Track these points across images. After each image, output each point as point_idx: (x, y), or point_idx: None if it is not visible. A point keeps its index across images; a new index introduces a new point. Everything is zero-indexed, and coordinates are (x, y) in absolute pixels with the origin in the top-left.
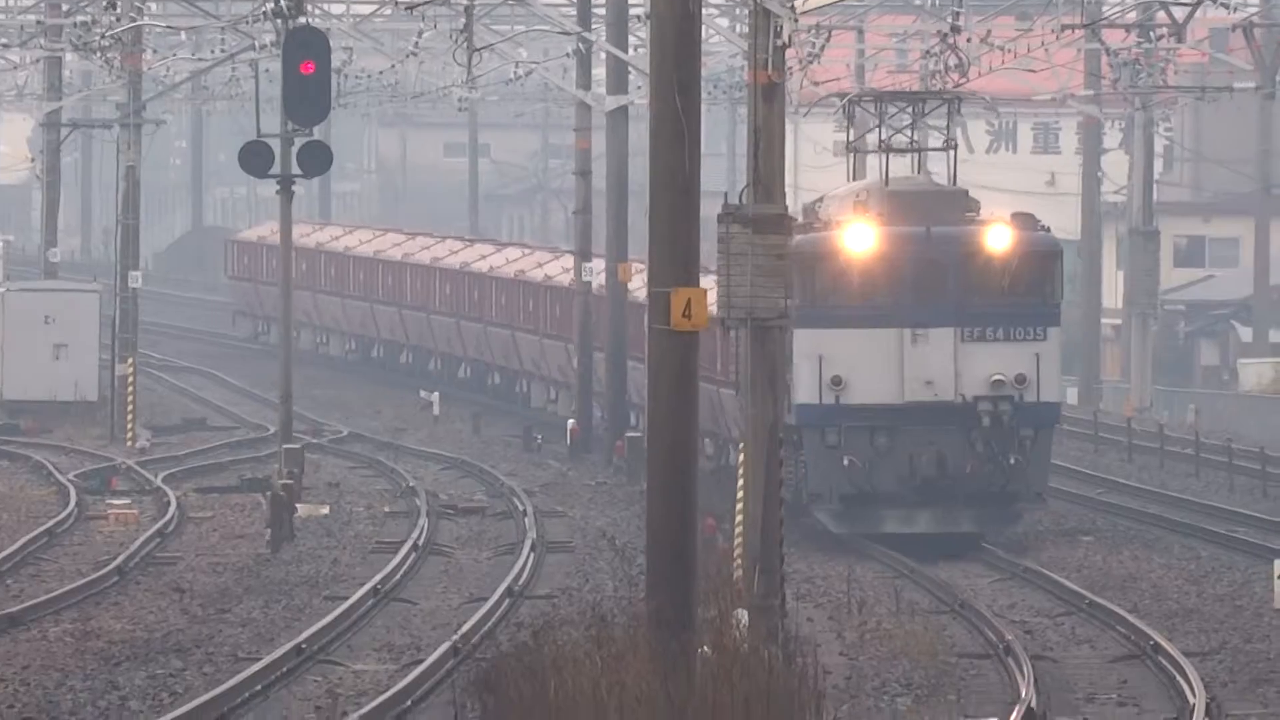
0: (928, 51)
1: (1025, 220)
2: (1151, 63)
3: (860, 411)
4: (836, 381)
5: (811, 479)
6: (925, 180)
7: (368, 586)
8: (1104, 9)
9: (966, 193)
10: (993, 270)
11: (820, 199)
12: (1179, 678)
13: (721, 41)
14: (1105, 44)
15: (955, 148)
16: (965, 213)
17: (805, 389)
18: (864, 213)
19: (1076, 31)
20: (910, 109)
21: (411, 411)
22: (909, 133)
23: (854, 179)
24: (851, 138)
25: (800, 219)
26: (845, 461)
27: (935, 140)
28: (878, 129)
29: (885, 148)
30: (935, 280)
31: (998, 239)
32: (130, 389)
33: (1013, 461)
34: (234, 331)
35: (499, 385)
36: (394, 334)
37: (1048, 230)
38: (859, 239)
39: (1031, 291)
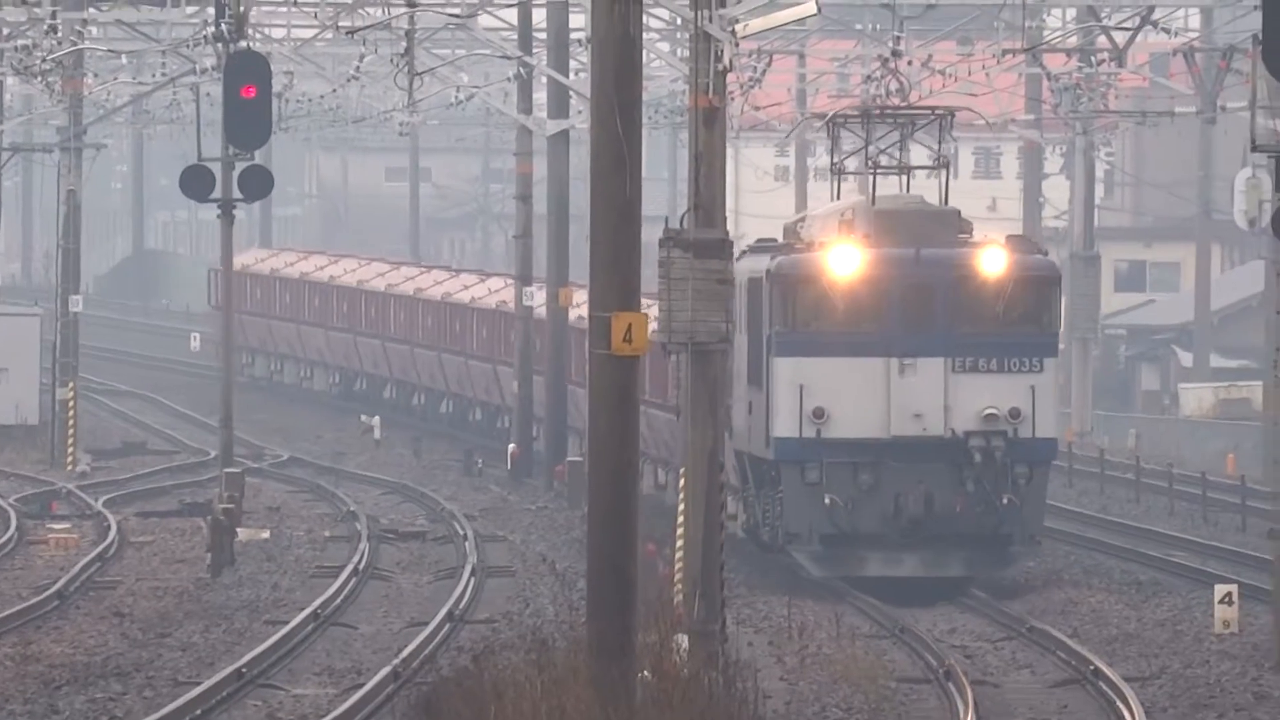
0: (869, 76)
1: (1022, 243)
2: (1092, 87)
3: (843, 446)
4: (818, 414)
5: (789, 518)
6: (915, 199)
7: (308, 611)
8: (1045, 34)
9: (959, 212)
10: (986, 296)
11: (802, 218)
12: (1119, 703)
13: (663, 66)
14: (1046, 69)
15: (947, 166)
16: (958, 234)
17: (784, 421)
18: (849, 233)
19: (1017, 56)
20: (899, 127)
21: (352, 436)
22: (896, 152)
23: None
24: (836, 159)
25: (781, 239)
26: (826, 500)
27: (909, 160)
28: (864, 148)
29: (872, 166)
30: (925, 306)
31: (992, 262)
32: (71, 413)
33: (1006, 501)
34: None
35: (452, 412)
36: (347, 360)
37: (1045, 254)
38: (843, 261)
39: (1028, 319)
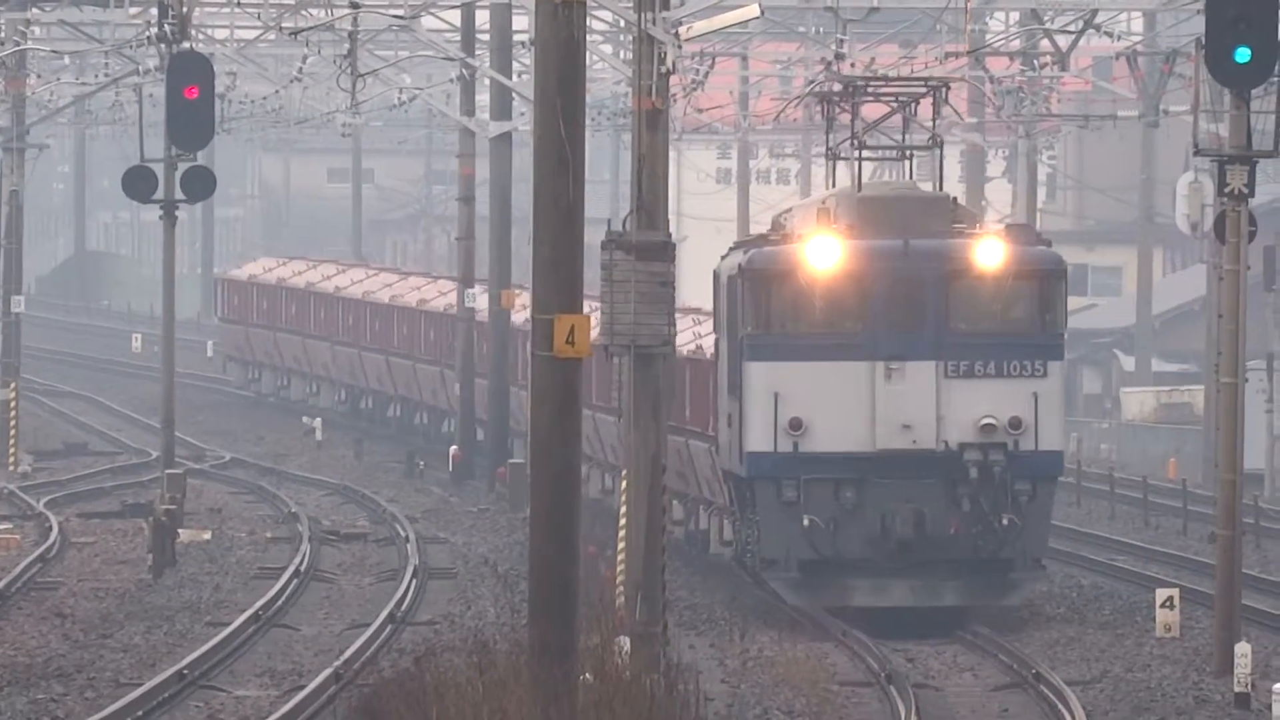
0: (810, 81)
1: (1022, 233)
2: (1035, 91)
3: (823, 461)
4: (795, 425)
5: (765, 542)
6: (904, 184)
7: (249, 612)
8: (988, 37)
9: (954, 199)
10: (983, 292)
11: (789, 209)
12: (1061, 706)
13: (606, 68)
14: (989, 71)
15: (941, 146)
16: (952, 223)
17: (758, 434)
18: (829, 223)
19: (960, 59)
20: (895, 101)
21: (294, 438)
22: (886, 134)
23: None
24: (831, 142)
25: (767, 233)
26: (805, 521)
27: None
28: (850, 124)
29: (858, 145)
30: (914, 303)
31: (989, 254)
32: (12, 414)
33: (1006, 522)
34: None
35: (400, 416)
36: (311, 367)
37: (1049, 244)
38: (822, 254)
39: (1030, 318)
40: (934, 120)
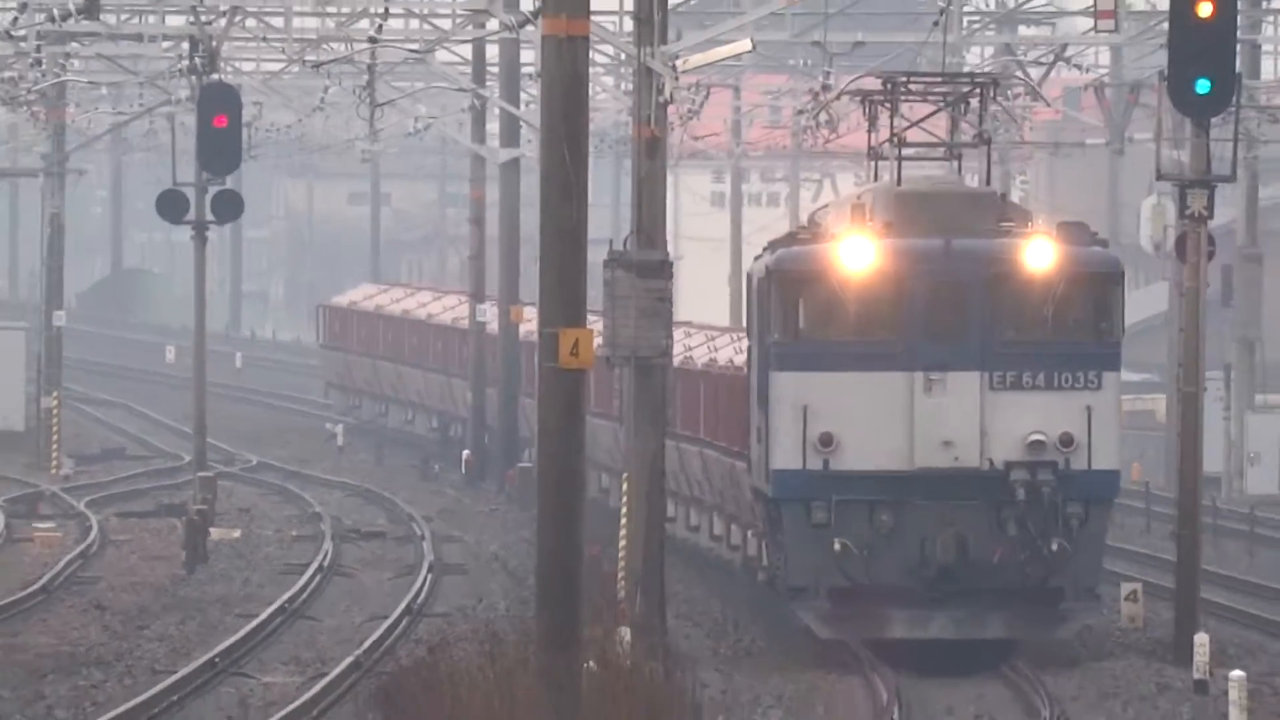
0: (798, 111)
1: (1076, 232)
2: (1009, 120)
3: (857, 481)
4: (826, 441)
5: (793, 568)
6: (946, 180)
7: (276, 605)
8: (965, 69)
9: (1001, 195)
10: (1032, 296)
11: (824, 207)
12: (1032, 693)
13: (608, 98)
14: (966, 101)
15: (989, 143)
16: (999, 221)
17: (785, 450)
18: (865, 221)
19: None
20: (944, 98)
21: (317, 443)
22: (935, 130)
23: None
24: (874, 141)
25: (797, 231)
26: (837, 546)
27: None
28: (890, 120)
29: (899, 142)
30: (956, 309)
31: (1039, 255)
32: (55, 420)
33: (1055, 548)
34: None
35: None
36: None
37: (1105, 244)
38: (856, 255)
39: (1083, 325)
40: (982, 117)
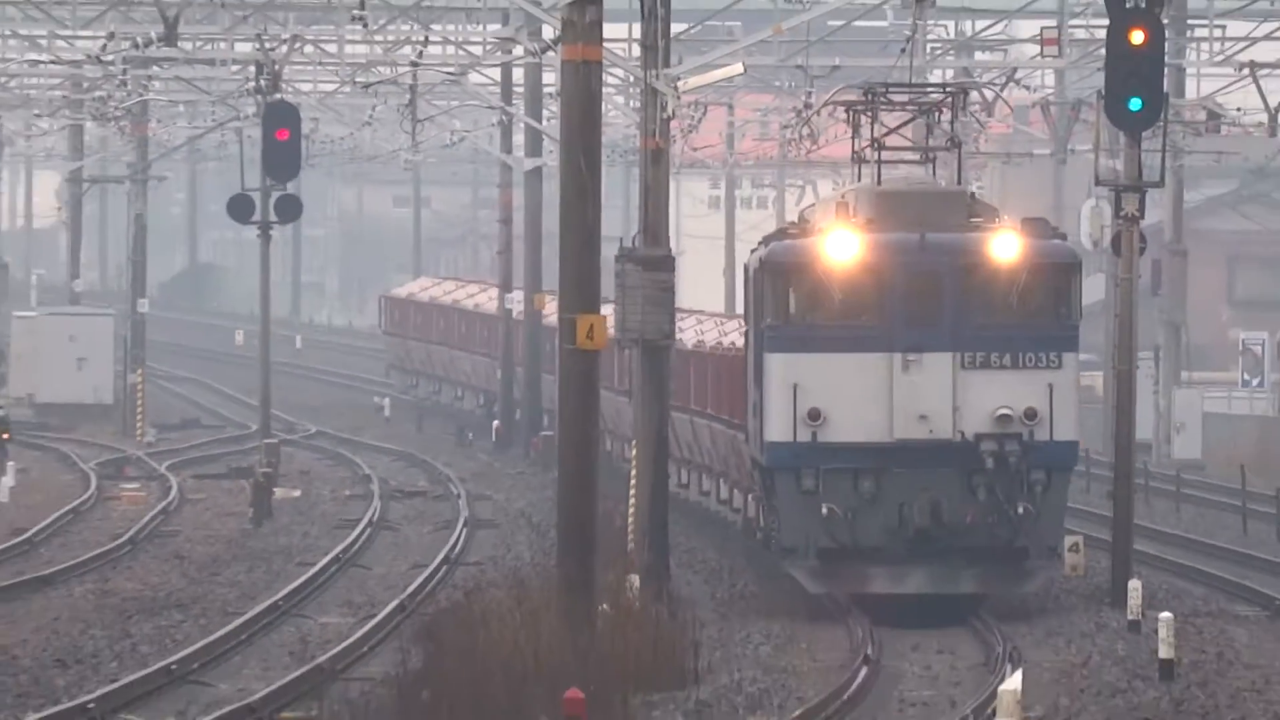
0: (784, 125)
1: (1038, 226)
2: (966, 133)
3: (842, 451)
4: (814, 415)
5: (785, 530)
6: (922, 179)
7: (331, 555)
8: (929, 91)
9: (971, 194)
10: (999, 284)
11: (812, 205)
12: (987, 632)
13: (618, 114)
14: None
15: (959, 146)
16: (969, 217)
17: (777, 424)
18: (848, 217)
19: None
20: (919, 106)
21: (368, 414)
22: (909, 135)
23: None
24: (856, 148)
25: (787, 227)
26: (824, 510)
27: (926, 143)
28: (870, 127)
29: (878, 146)
30: (930, 296)
31: (1005, 247)
32: (139, 394)
33: (1021, 511)
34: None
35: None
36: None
37: (1064, 238)
38: (840, 247)
39: (1044, 310)
40: (953, 124)
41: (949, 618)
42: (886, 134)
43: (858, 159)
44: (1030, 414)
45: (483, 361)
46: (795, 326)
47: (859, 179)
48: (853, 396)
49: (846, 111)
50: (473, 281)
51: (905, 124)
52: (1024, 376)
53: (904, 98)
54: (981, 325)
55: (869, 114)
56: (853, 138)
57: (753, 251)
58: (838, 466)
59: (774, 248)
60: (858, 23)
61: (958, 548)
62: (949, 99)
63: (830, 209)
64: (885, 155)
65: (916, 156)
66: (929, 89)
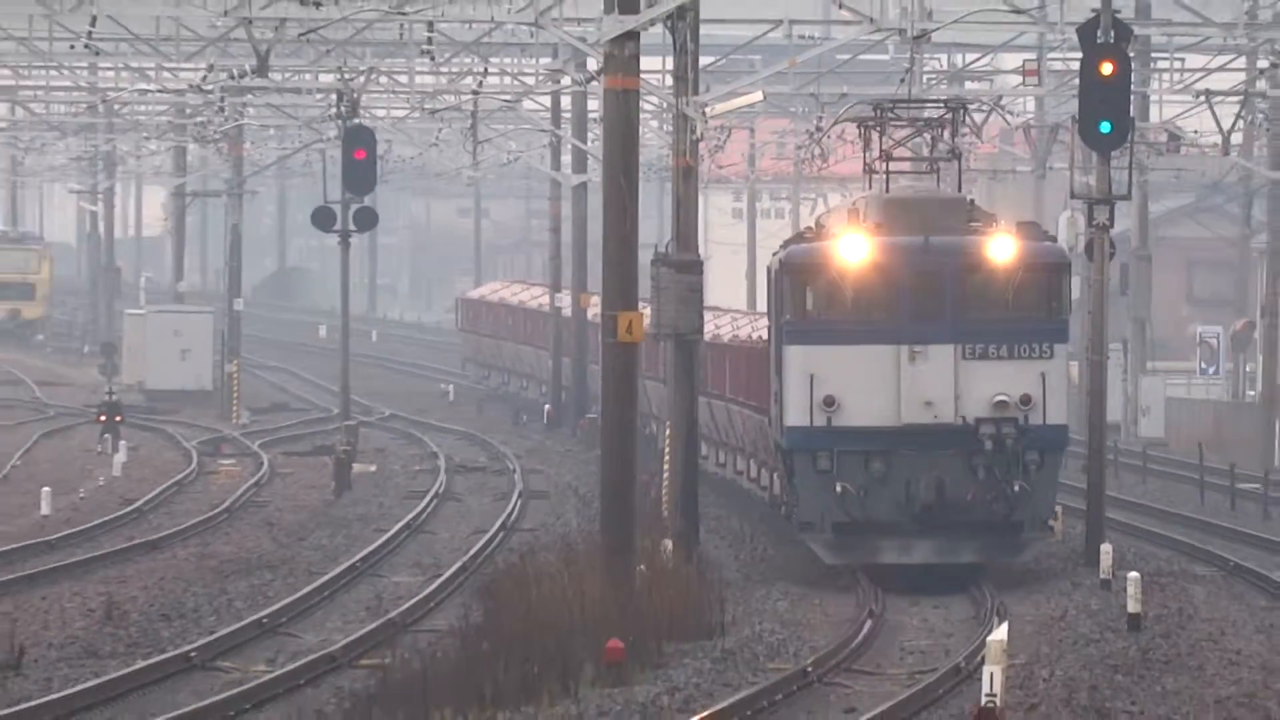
0: (799, 146)
1: (1030, 230)
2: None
3: (854, 434)
4: (829, 402)
5: (803, 506)
6: (926, 189)
7: (403, 522)
8: (931, 106)
9: (970, 200)
10: (995, 283)
11: (827, 212)
12: (977, 591)
13: (653, 136)
14: (925, 139)
15: (959, 157)
16: (968, 221)
17: (796, 410)
18: (859, 223)
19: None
20: (924, 120)
21: (434, 399)
22: (916, 149)
23: None
24: (869, 159)
25: (804, 231)
26: (838, 488)
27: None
28: (878, 139)
29: (886, 158)
30: (933, 293)
31: (1000, 249)
32: (235, 381)
33: (1017, 488)
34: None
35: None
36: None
37: (1054, 240)
38: (852, 249)
39: (1037, 306)
40: (954, 136)
41: (951, 585)
42: (894, 146)
43: (869, 170)
44: (1025, 400)
45: (541, 354)
46: (812, 321)
47: (869, 188)
48: (864, 385)
49: (859, 127)
50: (535, 284)
51: (910, 137)
52: (1019, 366)
53: (909, 113)
54: (980, 319)
55: (878, 129)
56: (864, 151)
57: (774, 254)
58: (850, 448)
59: (792, 250)
60: (862, 56)
61: (960, 522)
62: (949, 113)
63: (843, 215)
64: (892, 166)
65: (922, 167)
66: (931, 104)
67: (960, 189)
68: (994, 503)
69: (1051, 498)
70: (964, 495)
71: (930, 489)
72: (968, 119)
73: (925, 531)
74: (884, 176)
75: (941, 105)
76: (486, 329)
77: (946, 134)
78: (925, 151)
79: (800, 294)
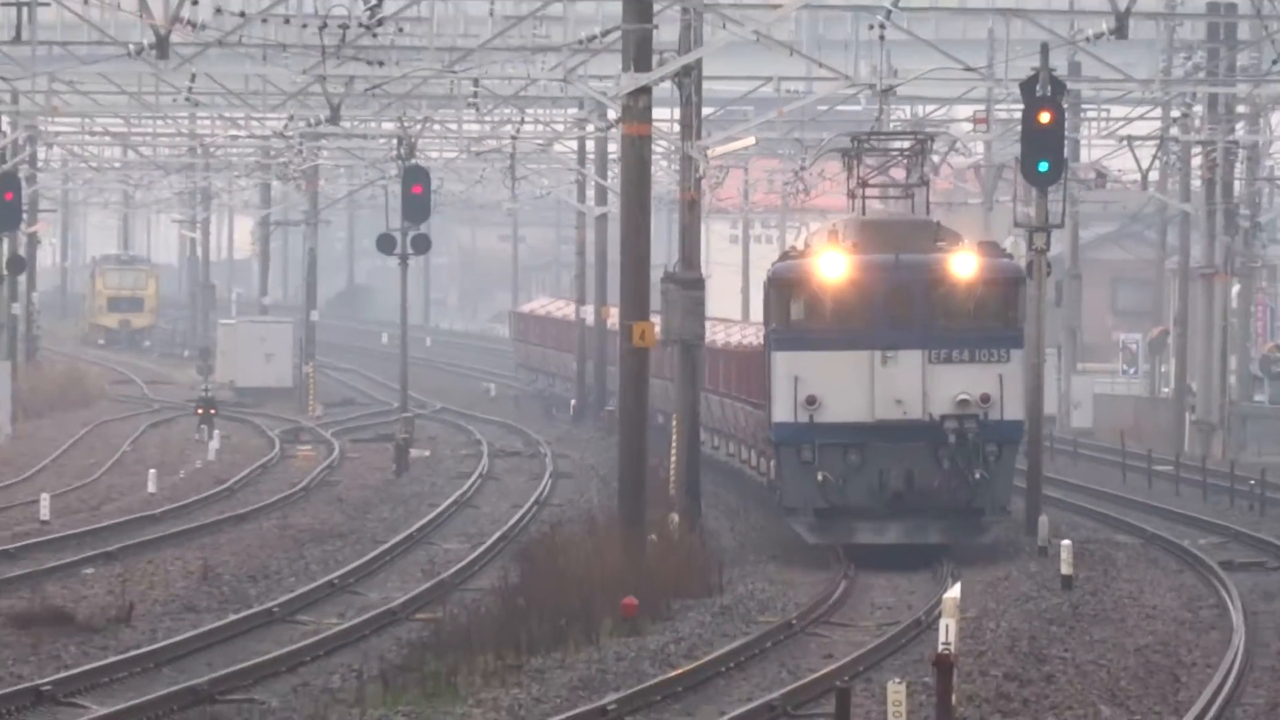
0: (785, 182)
1: (989, 248)
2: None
3: (834, 429)
4: (811, 401)
5: (788, 493)
6: (898, 212)
7: (452, 499)
8: (904, 137)
9: (938, 223)
10: (959, 295)
11: (813, 233)
12: (934, 558)
13: (663, 174)
14: (890, 178)
15: (926, 184)
16: (935, 241)
17: (782, 408)
18: (838, 242)
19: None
20: (898, 150)
21: (478, 395)
22: (891, 175)
23: None
24: (852, 184)
25: (789, 250)
26: (819, 477)
27: (911, 180)
28: (854, 168)
29: (861, 184)
30: (904, 305)
31: (963, 265)
32: (311, 380)
33: (978, 477)
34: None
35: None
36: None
37: (1011, 258)
38: (831, 266)
39: (996, 315)
40: (921, 164)
41: (918, 563)
42: (870, 174)
43: (851, 195)
44: (985, 399)
45: (569, 357)
46: (796, 330)
47: (853, 211)
48: (842, 385)
49: (842, 158)
50: (572, 300)
51: (885, 166)
52: (979, 369)
53: (882, 144)
54: (945, 328)
55: (856, 158)
56: (847, 180)
57: (767, 272)
58: (830, 442)
59: (778, 267)
60: (839, 107)
61: (927, 507)
62: (918, 144)
63: (824, 236)
64: (869, 192)
65: (894, 192)
66: (901, 136)
67: (929, 212)
68: (957, 490)
69: (1008, 485)
70: (931, 483)
71: (901, 478)
72: (932, 150)
73: (896, 515)
74: (860, 201)
75: (910, 136)
76: (534, 338)
77: (917, 163)
78: (899, 179)
79: (786, 305)
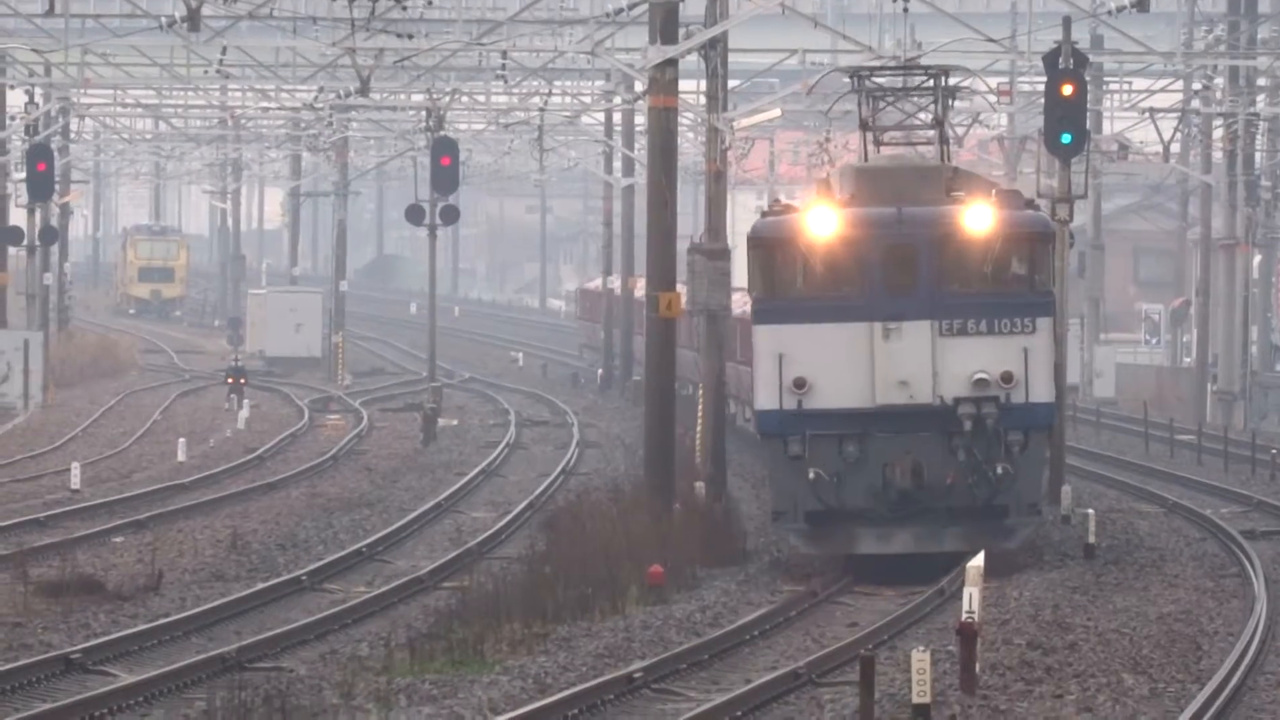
0: (810, 153)
1: (1011, 198)
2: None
3: (826, 417)
4: (799, 384)
5: (775, 494)
6: (902, 155)
7: (479, 468)
8: (913, 71)
9: (954, 168)
10: (974, 254)
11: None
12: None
13: (689, 146)
14: (914, 146)
15: (941, 125)
16: (947, 191)
17: (765, 393)
18: (828, 194)
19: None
20: (901, 84)
21: (505, 364)
22: (905, 113)
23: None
24: (867, 120)
25: (771, 205)
26: (811, 474)
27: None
28: (858, 105)
29: (864, 126)
30: (908, 267)
31: (978, 219)
32: (340, 350)
33: (1000, 471)
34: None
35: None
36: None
37: (1038, 209)
38: (820, 222)
39: (1018, 278)
40: (936, 103)
41: (928, 575)
42: (874, 114)
43: (863, 128)
44: (1006, 377)
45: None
46: (780, 299)
47: (864, 153)
48: (836, 365)
49: (851, 77)
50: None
51: (891, 103)
52: (1000, 342)
53: (889, 78)
54: (958, 293)
55: (862, 94)
56: (860, 113)
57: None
58: (822, 432)
59: (757, 224)
60: None
61: (939, 508)
62: (930, 80)
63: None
64: (878, 133)
65: (904, 136)
66: (911, 70)
67: (943, 157)
68: (975, 487)
69: (1037, 480)
70: (943, 480)
71: (907, 474)
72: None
73: (904, 519)
74: (862, 144)
75: (922, 71)
76: (591, 315)
77: (932, 104)
78: (916, 121)
79: (769, 270)
